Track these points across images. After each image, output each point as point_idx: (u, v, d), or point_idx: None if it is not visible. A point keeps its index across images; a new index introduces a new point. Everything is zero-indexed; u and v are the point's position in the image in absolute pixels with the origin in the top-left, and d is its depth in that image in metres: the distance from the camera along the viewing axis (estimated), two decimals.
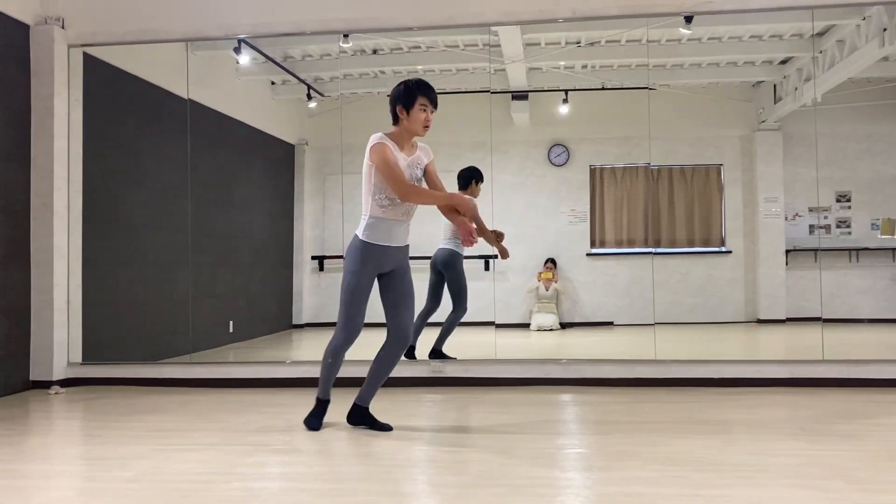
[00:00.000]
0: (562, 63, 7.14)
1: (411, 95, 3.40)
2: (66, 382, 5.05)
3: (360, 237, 3.43)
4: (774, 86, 7.44)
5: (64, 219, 5.09)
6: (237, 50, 5.72)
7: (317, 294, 7.78)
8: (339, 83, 7.07)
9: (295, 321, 7.78)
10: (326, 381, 3.63)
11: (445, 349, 5.26)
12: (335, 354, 3.55)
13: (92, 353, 5.21)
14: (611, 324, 7.61)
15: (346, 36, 5.34)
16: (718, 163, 7.85)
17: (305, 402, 4.42)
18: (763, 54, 7.06)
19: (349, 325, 3.47)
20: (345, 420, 3.68)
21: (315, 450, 3.24)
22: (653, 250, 7.68)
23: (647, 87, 6.09)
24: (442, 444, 3.30)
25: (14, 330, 4.85)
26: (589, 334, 7.30)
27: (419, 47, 6.61)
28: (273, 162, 7.72)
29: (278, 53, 6.79)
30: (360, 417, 3.63)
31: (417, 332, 5.47)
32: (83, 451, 3.35)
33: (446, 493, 2.56)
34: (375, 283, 3.53)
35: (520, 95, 7.54)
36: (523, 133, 7.84)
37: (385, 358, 3.55)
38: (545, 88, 7.57)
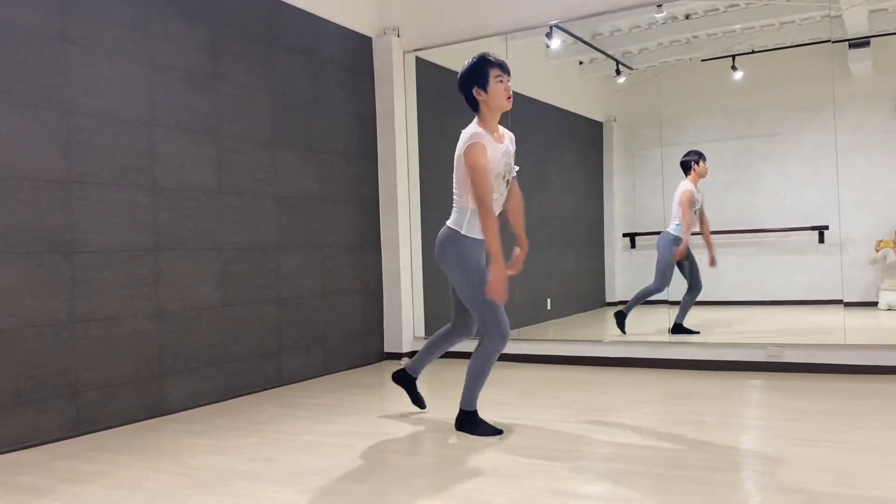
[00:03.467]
0: None
1: (482, 71, 3.16)
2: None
3: (467, 234, 3.24)
4: None
5: (406, 208, 5.71)
6: (549, 35, 5.85)
7: (628, 271, 7.69)
8: (648, 55, 6.86)
9: (608, 299, 7.79)
10: (474, 392, 3.36)
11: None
12: (488, 366, 3.30)
13: (431, 328, 5.79)
14: None
15: (659, 6, 5.17)
16: None
17: (624, 381, 4.44)
18: None
19: (505, 327, 3.23)
20: (660, 400, 3.61)
21: (652, 432, 3.23)
22: None
23: None
24: (790, 438, 3.07)
25: (371, 308, 5.58)
26: None
27: (737, 5, 6.13)
28: (581, 141, 7.79)
29: (587, 33, 6.79)
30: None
31: (684, 312, 5.52)
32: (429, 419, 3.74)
33: (810, 490, 2.38)
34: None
35: (859, 43, 6.61)
36: (863, 85, 6.86)
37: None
38: (892, 31, 6.54)
